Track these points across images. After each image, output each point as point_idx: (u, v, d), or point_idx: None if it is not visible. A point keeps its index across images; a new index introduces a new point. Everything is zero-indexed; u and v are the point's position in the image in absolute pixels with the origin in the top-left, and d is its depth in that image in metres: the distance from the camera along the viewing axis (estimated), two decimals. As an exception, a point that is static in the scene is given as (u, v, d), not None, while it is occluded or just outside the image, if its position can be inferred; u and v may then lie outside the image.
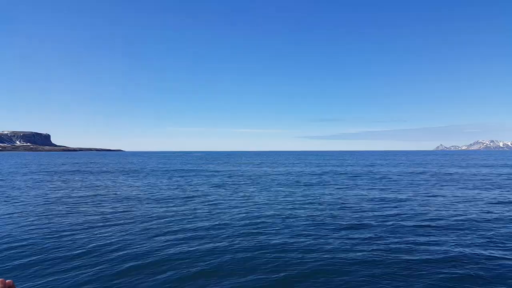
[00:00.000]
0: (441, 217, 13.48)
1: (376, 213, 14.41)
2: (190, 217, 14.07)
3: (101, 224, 12.83)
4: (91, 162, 74.20)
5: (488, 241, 10.11)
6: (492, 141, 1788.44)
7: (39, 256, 9.11)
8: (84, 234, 11.33)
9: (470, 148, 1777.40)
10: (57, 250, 9.60)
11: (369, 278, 7.54)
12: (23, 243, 10.31)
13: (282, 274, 7.83)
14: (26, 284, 7.36)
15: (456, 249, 9.32)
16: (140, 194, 21.01)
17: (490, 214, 14.17)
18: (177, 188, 24.03)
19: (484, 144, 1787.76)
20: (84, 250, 9.47)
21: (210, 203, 17.50)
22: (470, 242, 10.05)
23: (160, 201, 18.21)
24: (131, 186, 25.34)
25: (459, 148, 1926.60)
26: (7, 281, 0.98)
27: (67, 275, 7.79)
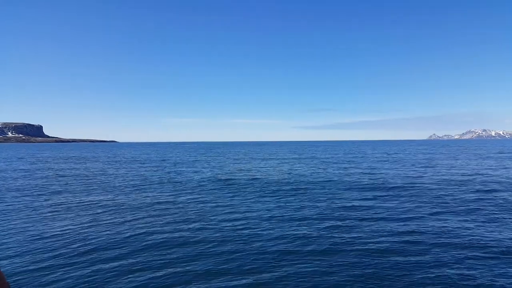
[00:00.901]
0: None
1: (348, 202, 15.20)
2: (173, 208, 14.55)
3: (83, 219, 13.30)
4: (80, 157, 73.84)
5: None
6: (484, 130, 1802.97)
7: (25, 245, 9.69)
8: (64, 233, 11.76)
9: (462, 137, 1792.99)
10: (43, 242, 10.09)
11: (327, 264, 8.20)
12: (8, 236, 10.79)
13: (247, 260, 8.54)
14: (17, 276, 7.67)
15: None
16: (125, 185, 21.48)
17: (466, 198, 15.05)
18: (161, 183, 24.49)
19: (477, 133, 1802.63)
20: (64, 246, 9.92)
21: (195, 195, 18.04)
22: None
23: (142, 191, 18.75)
24: (120, 177, 25.73)
25: (452, 137, 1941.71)
26: None
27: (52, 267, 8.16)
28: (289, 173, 28.95)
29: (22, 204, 16.11)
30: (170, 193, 18.82)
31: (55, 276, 7.79)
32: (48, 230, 11.47)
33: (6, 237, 10.86)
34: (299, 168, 33.81)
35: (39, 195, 18.63)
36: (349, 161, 44.02)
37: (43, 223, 12.37)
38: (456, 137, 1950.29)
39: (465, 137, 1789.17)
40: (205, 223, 12.15)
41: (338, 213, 13.52)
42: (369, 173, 27.78)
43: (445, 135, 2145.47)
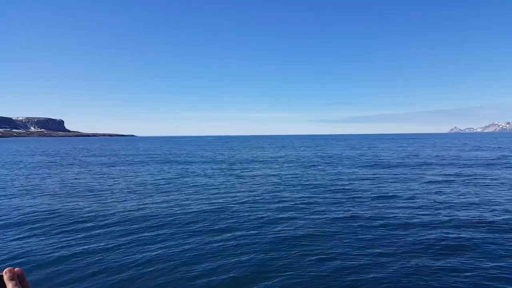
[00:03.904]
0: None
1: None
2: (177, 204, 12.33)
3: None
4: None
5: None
6: (508, 123, 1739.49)
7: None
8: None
9: (485, 131, 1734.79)
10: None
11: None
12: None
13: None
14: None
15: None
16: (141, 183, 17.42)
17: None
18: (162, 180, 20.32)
19: (500, 126, 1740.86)
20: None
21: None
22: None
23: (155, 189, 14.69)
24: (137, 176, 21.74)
25: (474, 131, 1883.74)
26: (16, 269, 0.92)
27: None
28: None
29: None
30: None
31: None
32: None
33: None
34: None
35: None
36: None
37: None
38: (478, 130, 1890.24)
39: (488, 130, 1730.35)
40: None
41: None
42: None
43: (467, 128, 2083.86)
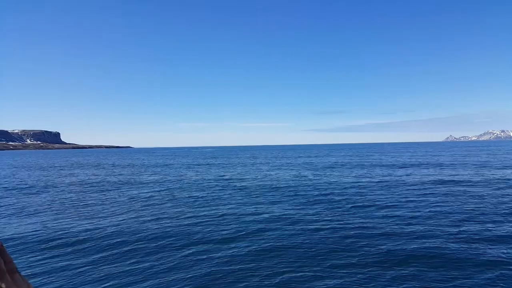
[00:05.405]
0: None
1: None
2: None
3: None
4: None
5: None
6: (502, 131, 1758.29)
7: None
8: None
9: (480, 139, 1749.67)
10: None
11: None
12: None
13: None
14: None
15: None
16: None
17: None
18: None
19: (495, 134, 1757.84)
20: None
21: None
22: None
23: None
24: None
25: (469, 139, 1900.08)
26: None
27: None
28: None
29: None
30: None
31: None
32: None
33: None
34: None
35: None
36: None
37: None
38: (473, 138, 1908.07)
39: (482, 138, 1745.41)
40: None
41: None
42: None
43: (462, 137, 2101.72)
